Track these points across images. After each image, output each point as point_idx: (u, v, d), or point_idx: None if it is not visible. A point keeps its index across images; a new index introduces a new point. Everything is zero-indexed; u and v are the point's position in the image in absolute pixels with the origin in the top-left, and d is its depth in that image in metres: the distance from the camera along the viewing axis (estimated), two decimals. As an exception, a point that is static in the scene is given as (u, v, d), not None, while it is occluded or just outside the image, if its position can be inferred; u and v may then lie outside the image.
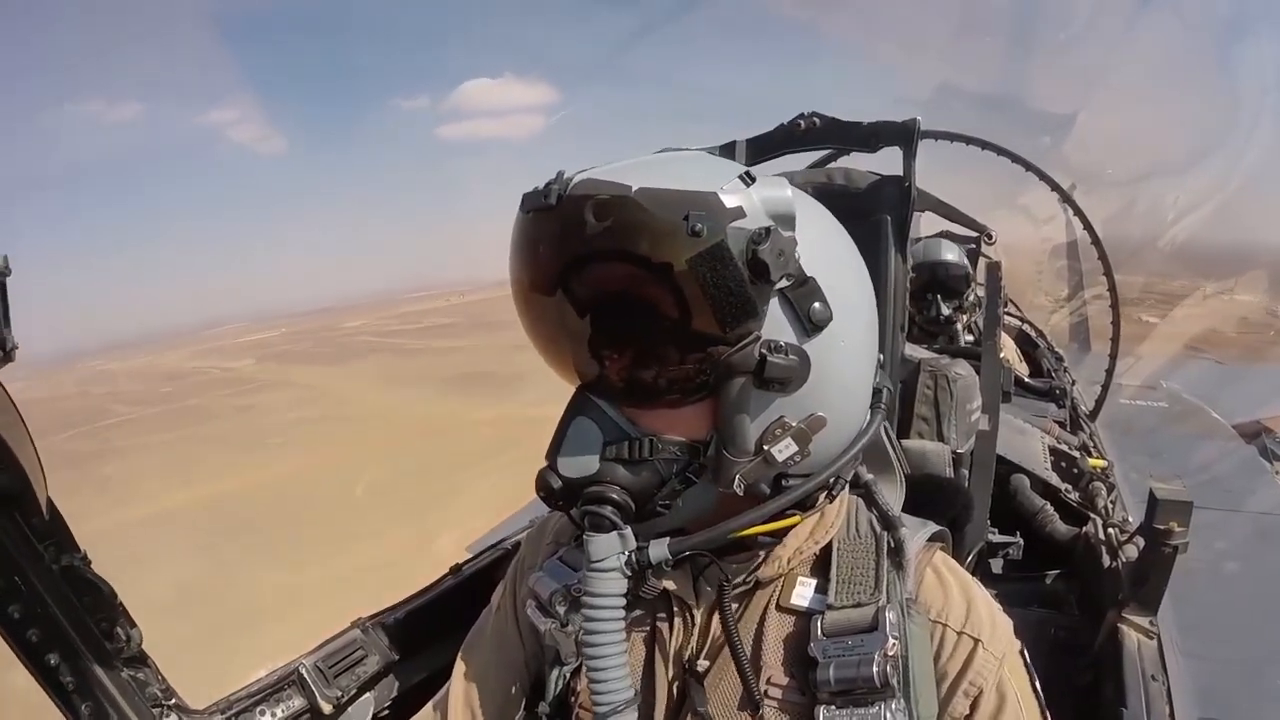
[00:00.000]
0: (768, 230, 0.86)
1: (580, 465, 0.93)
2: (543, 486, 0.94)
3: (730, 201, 0.86)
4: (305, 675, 1.55)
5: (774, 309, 0.89)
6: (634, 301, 0.87)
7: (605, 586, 0.91)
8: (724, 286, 0.85)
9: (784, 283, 0.88)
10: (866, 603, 0.96)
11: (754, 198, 0.88)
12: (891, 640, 0.90)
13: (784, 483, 0.97)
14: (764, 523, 0.97)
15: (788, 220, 0.88)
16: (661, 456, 0.93)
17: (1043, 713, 0.97)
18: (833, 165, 2.04)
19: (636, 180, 0.86)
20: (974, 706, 0.93)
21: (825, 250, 0.94)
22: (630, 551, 0.92)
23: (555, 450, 0.94)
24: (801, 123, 1.59)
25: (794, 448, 0.94)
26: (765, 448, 0.93)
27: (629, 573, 0.93)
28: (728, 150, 1.62)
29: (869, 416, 1.06)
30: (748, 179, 0.90)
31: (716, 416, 0.93)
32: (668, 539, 0.94)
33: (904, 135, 1.49)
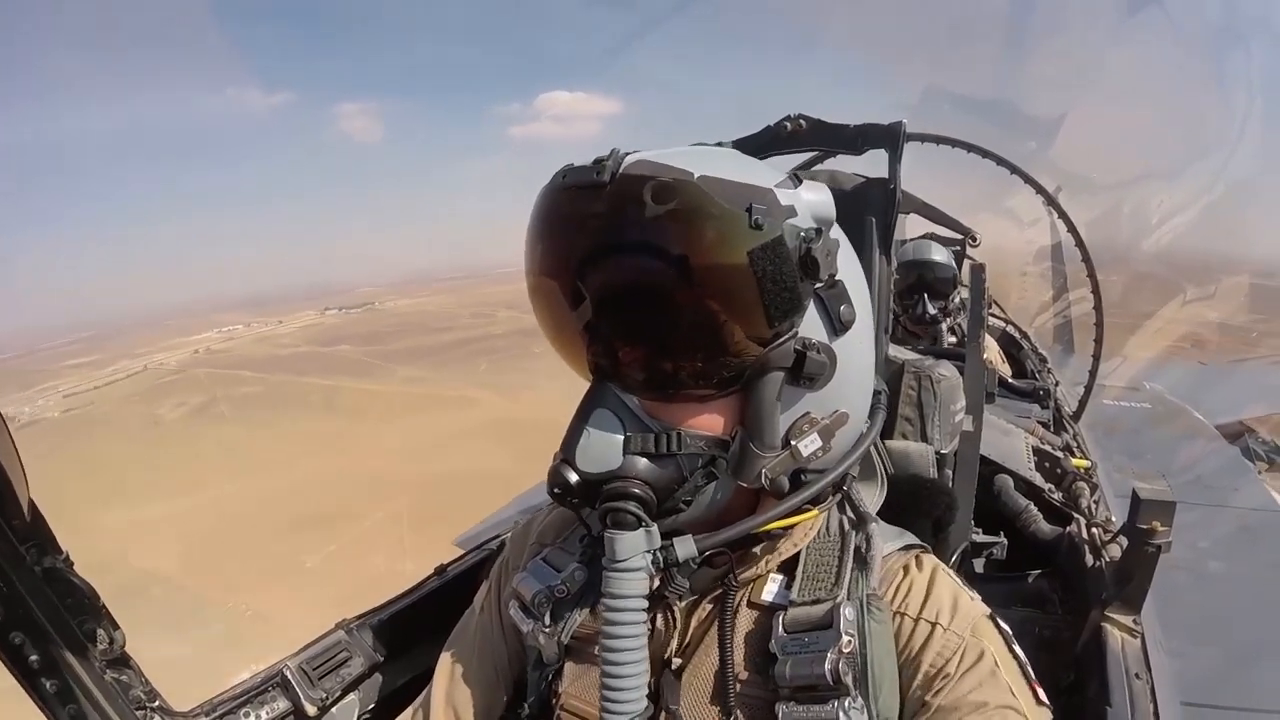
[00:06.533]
0: (818, 230, 0.87)
1: (601, 459, 0.91)
2: (557, 483, 0.92)
3: (784, 199, 0.87)
4: (290, 677, 1.53)
5: (810, 308, 0.90)
6: (681, 290, 0.85)
7: (629, 587, 0.89)
8: (779, 281, 0.85)
9: (822, 283, 0.89)
10: (825, 599, 0.95)
11: (803, 198, 0.89)
12: (846, 637, 0.89)
13: (802, 478, 0.98)
14: (784, 517, 0.97)
15: (828, 223, 0.90)
16: (688, 451, 0.92)
17: (1023, 670, 0.95)
18: (818, 167, 2.05)
19: (692, 167, 0.85)
20: (943, 673, 0.92)
21: (845, 254, 0.95)
22: (655, 550, 0.91)
23: (573, 444, 0.92)
24: (788, 125, 1.59)
25: (819, 443, 0.95)
26: (792, 442, 0.94)
27: (654, 572, 0.91)
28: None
29: (871, 416, 1.08)
30: (795, 179, 0.91)
31: (745, 411, 0.93)
32: (691, 536, 0.94)
33: (890, 138, 1.49)
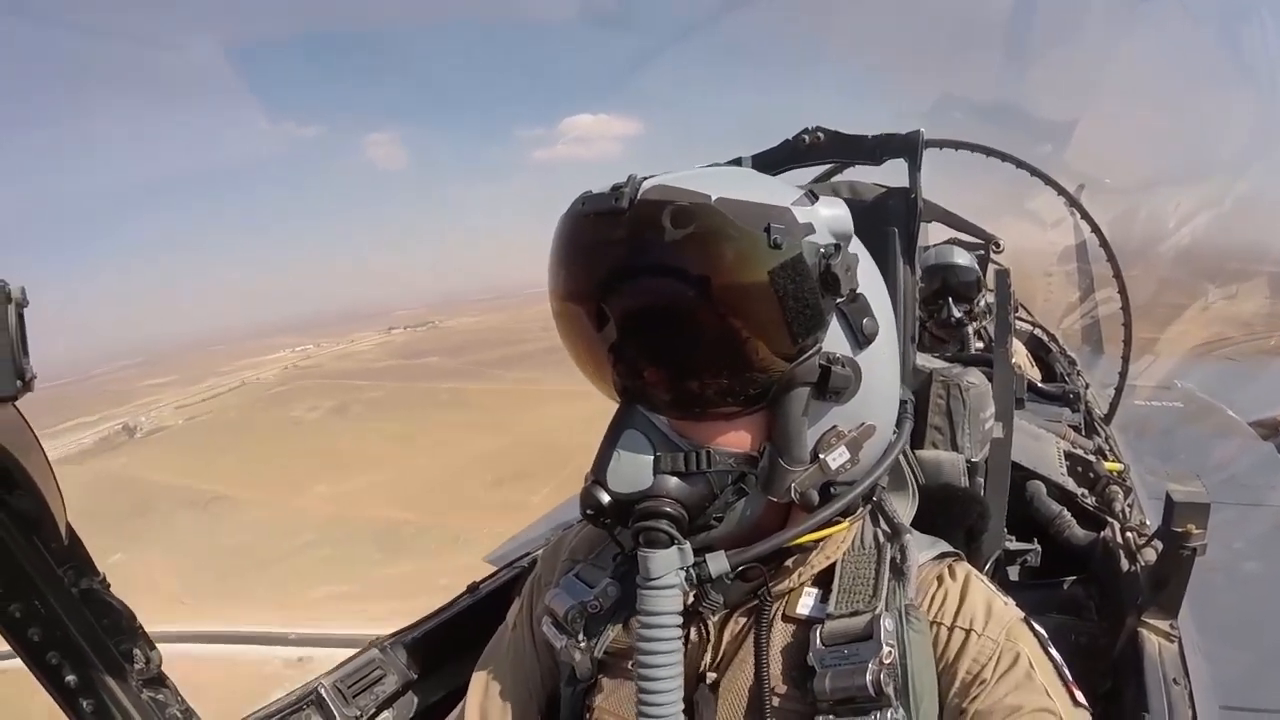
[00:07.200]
0: (837, 246, 0.87)
1: (632, 479, 0.92)
2: (590, 504, 0.92)
3: (802, 216, 0.87)
4: (324, 695, 1.54)
5: (832, 323, 0.91)
6: (704, 311, 0.86)
7: (664, 604, 0.90)
8: (800, 299, 0.86)
9: (843, 297, 0.89)
10: (863, 611, 0.96)
11: (820, 214, 0.89)
12: (887, 648, 0.89)
13: (832, 490, 0.98)
14: (815, 530, 0.98)
15: (847, 238, 0.91)
16: (717, 468, 0.92)
17: (1059, 671, 0.94)
18: (838, 178, 2.04)
19: (709, 189, 0.86)
20: (979, 679, 0.91)
21: (865, 267, 0.95)
22: (689, 566, 0.91)
23: (604, 465, 0.93)
24: (806, 138, 1.58)
25: (846, 455, 0.95)
26: (820, 456, 0.94)
27: (688, 589, 0.92)
28: (734, 166, 1.61)
29: (898, 426, 1.08)
30: (812, 196, 0.91)
31: (773, 427, 0.94)
32: (724, 551, 0.94)
33: (908, 147, 1.48)
